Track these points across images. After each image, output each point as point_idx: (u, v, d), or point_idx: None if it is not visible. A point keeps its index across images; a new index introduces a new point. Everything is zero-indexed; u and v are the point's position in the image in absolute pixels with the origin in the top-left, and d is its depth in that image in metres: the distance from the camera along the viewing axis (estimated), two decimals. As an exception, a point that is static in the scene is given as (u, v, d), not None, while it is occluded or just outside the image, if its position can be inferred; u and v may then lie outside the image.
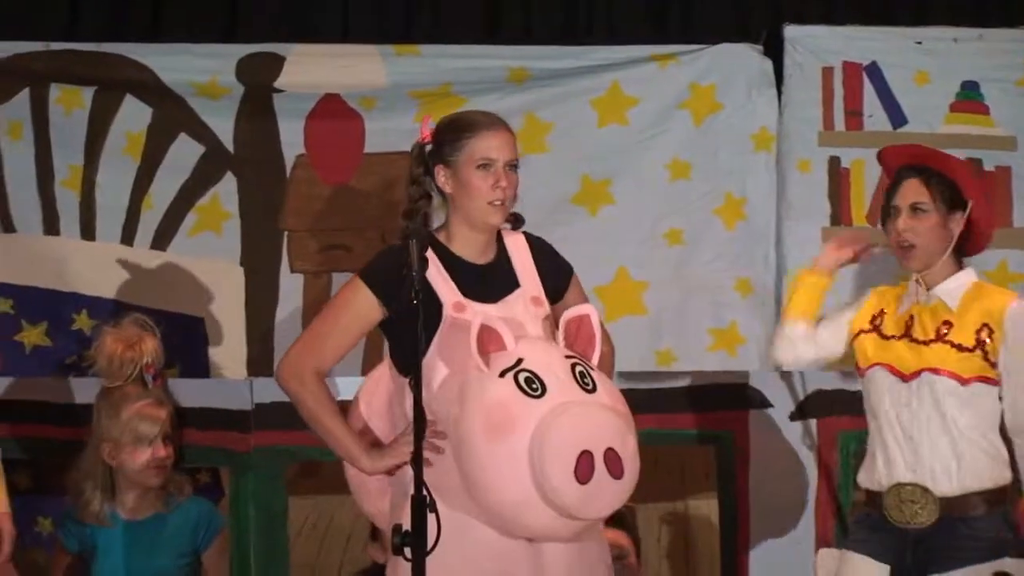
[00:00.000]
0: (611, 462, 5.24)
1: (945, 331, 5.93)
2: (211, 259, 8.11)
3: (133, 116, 8.11)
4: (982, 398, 5.93)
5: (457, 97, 8.02)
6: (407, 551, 5.01)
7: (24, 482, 7.56)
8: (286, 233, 8.16)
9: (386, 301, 5.51)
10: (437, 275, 5.60)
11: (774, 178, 8.15)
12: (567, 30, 8.47)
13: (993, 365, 5.91)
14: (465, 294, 5.63)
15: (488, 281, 5.73)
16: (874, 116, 8.16)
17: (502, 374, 5.38)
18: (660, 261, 8.17)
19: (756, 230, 8.16)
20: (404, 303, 5.28)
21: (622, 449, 5.31)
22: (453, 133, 5.70)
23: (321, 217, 8.22)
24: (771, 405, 7.13)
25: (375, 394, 5.82)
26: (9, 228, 8.10)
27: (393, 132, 7.99)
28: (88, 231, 8.12)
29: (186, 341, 7.94)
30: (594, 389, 5.42)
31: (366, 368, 7.05)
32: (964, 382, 5.89)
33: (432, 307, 5.51)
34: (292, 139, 8.13)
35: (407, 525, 5.04)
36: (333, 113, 8.15)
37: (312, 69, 8.19)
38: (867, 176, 8.10)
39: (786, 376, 7.24)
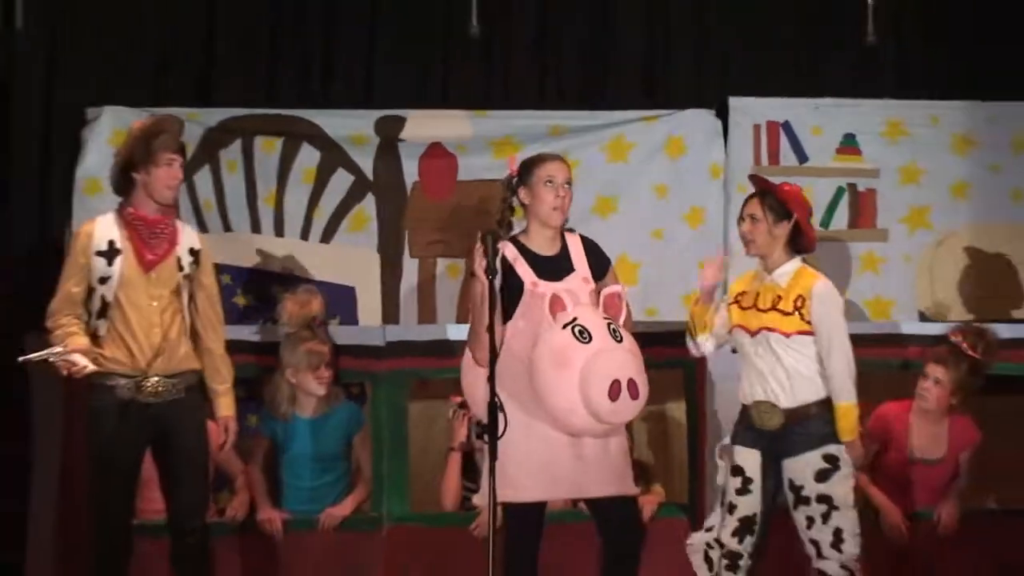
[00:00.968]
0: (631, 388, 6.08)
1: (776, 302, 6.54)
2: (358, 248, 8.55)
3: (308, 157, 8.58)
4: (803, 344, 6.51)
5: (516, 144, 8.45)
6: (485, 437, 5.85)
7: (239, 393, 7.46)
8: (406, 232, 8.58)
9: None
10: (519, 262, 6.33)
11: (722, 196, 8.61)
12: (589, 99, 8.90)
13: (809, 323, 6.49)
14: (539, 275, 6.30)
15: (554, 266, 6.37)
16: (787, 156, 8.63)
17: (564, 327, 6.13)
18: (648, 250, 8.61)
19: (711, 230, 8.61)
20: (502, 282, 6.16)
21: (639, 380, 6.14)
22: (530, 164, 6.44)
23: (429, 222, 8.58)
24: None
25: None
26: (228, 228, 8.49)
27: (476, 167, 8.55)
28: (279, 230, 8.58)
29: (342, 301, 8.39)
30: (621, 340, 6.18)
31: (461, 316, 8.29)
32: (787, 335, 6.51)
33: (516, 284, 6.29)
34: (410, 172, 8.59)
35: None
36: (437, 155, 8.59)
37: (423, 126, 8.61)
38: None
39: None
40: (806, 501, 6.48)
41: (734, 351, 6.89)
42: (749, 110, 8.73)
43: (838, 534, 6.45)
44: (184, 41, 8.87)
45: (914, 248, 8.63)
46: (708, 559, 6.68)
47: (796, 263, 6.64)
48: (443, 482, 7.68)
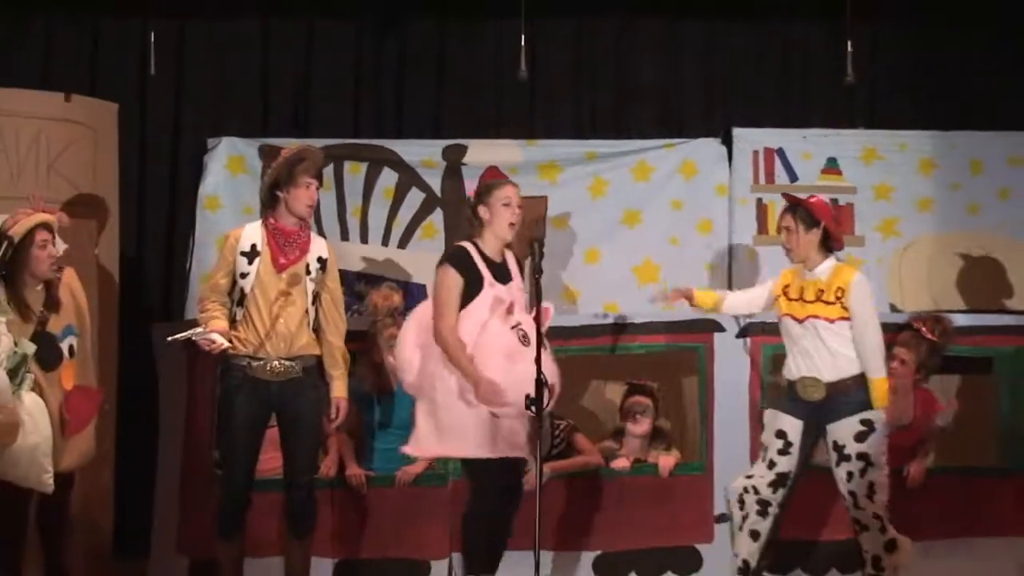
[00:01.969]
0: (552, 390, 6.12)
1: (820, 294, 6.52)
2: (428, 253, 8.26)
3: (388, 178, 8.60)
4: (843, 329, 6.49)
5: (558, 167, 8.55)
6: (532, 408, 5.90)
7: None
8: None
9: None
10: (480, 262, 6.29)
11: (727, 209, 8.60)
12: (617, 130, 8.92)
13: (847, 310, 6.48)
14: (492, 276, 6.29)
15: (500, 271, 6.35)
16: (780, 176, 8.62)
17: (512, 328, 6.18)
18: (667, 253, 8.57)
19: (718, 238, 8.59)
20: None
21: (557, 383, 6.22)
22: (490, 187, 6.46)
23: None
24: (725, 330, 7.40)
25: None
26: (322, 237, 7.83)
27: (525, 186, 7.39)
28: (364, 239, 8.60)
29: (416, 296, 8.11)
30: (546, 348, 6.11)
31: None
32: (831, 321, 6.49)
33: (477, 279, 6.24)
34: (472, 190, 7.76)
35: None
36: (493, 176, 8.31)
37: (482, 153, 8.62)
38: (776, 208, 7.79)
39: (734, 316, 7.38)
40: (847, 459, 6.47)
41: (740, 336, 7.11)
42: (749, 139, 8.71)
43: (871, 487, 6.47)
44: (286, 84, 8.98)
45: (886, 252, 8.57)
46: (742, 500, 6.67)
47: (832, 261, 6.63)
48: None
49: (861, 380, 6.50)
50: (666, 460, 7.43)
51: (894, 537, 6.54)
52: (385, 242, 8.66)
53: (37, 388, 6.26)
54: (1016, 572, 7.27)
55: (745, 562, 6.66)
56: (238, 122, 8.75)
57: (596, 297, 8.50)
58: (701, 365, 7.55)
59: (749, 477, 6.69)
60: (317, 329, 6.65)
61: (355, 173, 8.63)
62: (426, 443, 6.32)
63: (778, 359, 7.25)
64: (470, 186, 7.96)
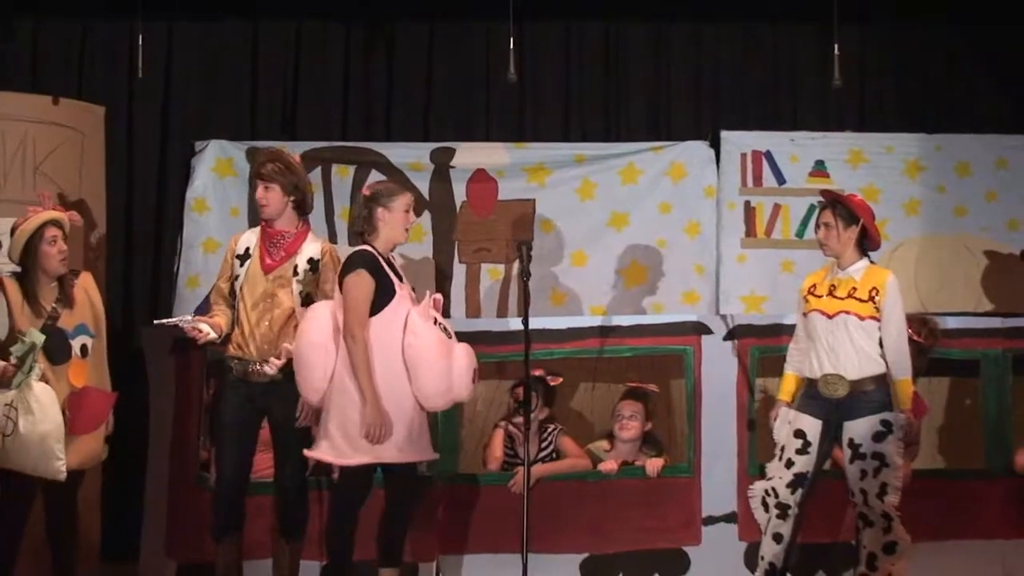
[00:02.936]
0: (477, 375, 6.27)
1: (852, 292, 6.57)
2: (416, 256, 8.44)
3: (375, 180, 8.20)
4: (872, 328, 6.55)
5: (547, 170, 8.52)
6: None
7: None
8: (456, 242, 8.53)
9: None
10: (386, 266, 6.28)
11: (715, 212, 8.54)
12: (606, 132, 8.94)
13: (878, 310, 6.54)
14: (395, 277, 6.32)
15: (396, 273, 6.37)
16: (768, 179, 8.56)
17: (434, 324, 6.22)
18: (655, 256, 8.51)
19: (706, 240, 8.54)
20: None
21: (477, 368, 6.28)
22: (390, 193, 6.38)
23: (474, 234, 8.54)
24: (712, 332, 7.43)
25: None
26: None
27: (513, 189, 8.55)
28: (352, 241, 7.33)
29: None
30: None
31: (500, 311, 8.31)
32: (862, 319, 6.53)
33: (388, 284, 6.23)
34: (459, 193, 8.54)
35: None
36: (481, 179, 8.55)
37: (470, 155, 8.58)
38: (765, 211, 8.53)
39: (722, 316, 7.63)
40: (862, 457, 6.50)
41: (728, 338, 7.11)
42: (737, 141, 8.67)
43: (883, 487, 6.52)
44: (274, 87, 8.95)
45: (873, 254, 8.38)
46: (764, 503, 6.70)
47: (865, 261, 6.68)
48: (489, 449, 7.63)
49: (882, 380, 6.55)
50: (654, 463, 7.47)
51: (896, 541, 6.58)
52: (374, 245, 8.60)
53: (44, 379, 6.33)
54: (1000, 574, 7.32)
55: (771, 564, 6.71)
56: (226, 125, 8.72)
57: (583, 299, 8.51)
58: (688, 367, 7.53)
59: (769, 479, 6.72)
60: None
61: (343, 176, 8.59)
62: (328, 448, 6.29)
63: (765, 361, 7.36)
64: (458, 189, 8.40)
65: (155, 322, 6.58)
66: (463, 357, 6.21)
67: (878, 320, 6.56)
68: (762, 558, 6.72)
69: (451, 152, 8.64)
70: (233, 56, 8.90)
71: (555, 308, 8.38)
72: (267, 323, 6.50)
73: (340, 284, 6.23)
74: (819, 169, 8.64)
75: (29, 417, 6.21)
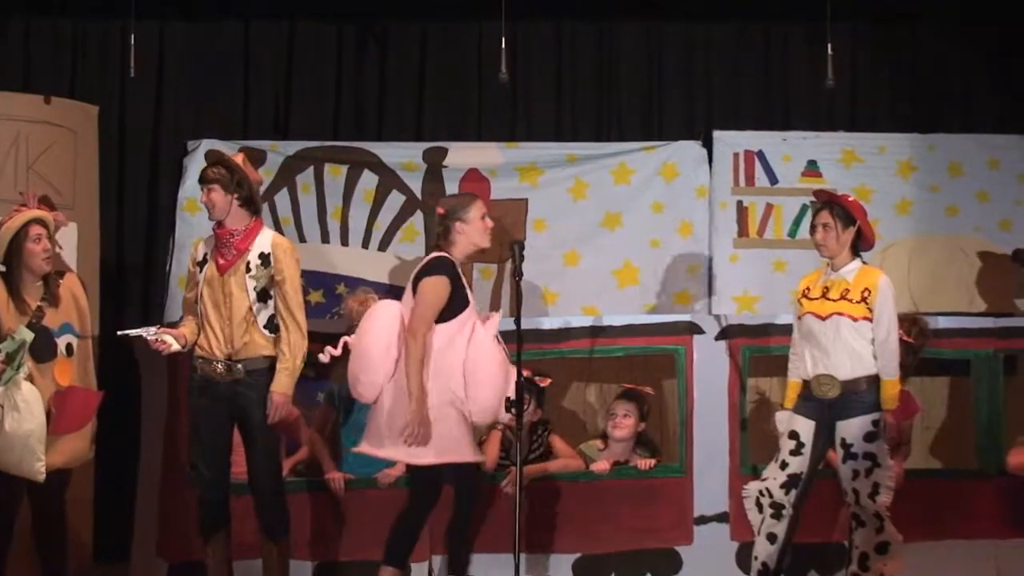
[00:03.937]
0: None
1: (845, 293, 6.59)
2: (410, 256, 8.44)
3: (368, 180, 8.55)
4: (864, 329, 6.57)
5: (539, 170, 8.53)
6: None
7: (310, 374, 7.37)
8: None
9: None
10: (463, 278, 6.40)
11: (707, 212, 8.56)
12: (598, 132, 8.94)
13: (870, 310, 6.56)
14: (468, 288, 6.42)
15: (466, 283, 6.46)
16: (760, 179, 8.57)
17: (494, 338, 6.33)
18: (648, 256, 8.52)
19: (698, 240, 8.54)
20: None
21: None
22: (465, 204, 6.53)
23: None
24: (705, 332, 7.45)
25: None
26: (302, 240, 8.41)
27: (505, 189, 8.55)
28: (344, 241, 8.55)
29: (396, 298, 7.55)
30: None
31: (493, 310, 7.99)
32: (855, 320, 6.56)
33: (463, 295, 6.37)
34: (452, 192, 8.38)
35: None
36: (474, 179, 8.53)
37: (463, 155, 8.59)
38: (757, 211, 8.54)
39: (714, 316, 7.64)
40: (854, 457, 6.52)
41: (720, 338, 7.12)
42: (730, 141, 8.68)
43: (876, 486, 6.53)
44: (266, 86, 8.95)
45: (866, 254, 8.37)
46: (759, 504, 6.71)
47: (859, 262, 6.70)
48: (486, 451, 7.46)
49: (873, 381, 6.57)
50: (645, 461, 7.50)
51: (888, 541, 6.58)
52: (366, 244, 8.62)
53: (29, 378, 6.35)
54: (993, 574, 7.33)
55: (764, 564, 6.72)
56: (218, 125, 8.71)
57: (576, 300, 8.50)
58: (681, 367, 7.54)
59: (763, 480, 6.73)
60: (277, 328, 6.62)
61: (335, 175, 8.61)
62: (375, 442, 6.40)
63: (757, 361, 7.38)
64: (451, 188, 8.34)
65: (119, 333, 6.55)
66: (512, 372, 6.21)
67: (871, 320, 6.58)
68: (755, 558, 6.74)
69: (444, 152, 8.65)
70: (225, 56, 8.89)
71: (548, 308, 8.38)
72: (227, 321, 6.52)
73: (415, 284, 6.34)
74: (812, 169, 8.64)
75: (15, 415, 6.23)
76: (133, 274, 8.71)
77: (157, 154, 8.77)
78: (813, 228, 6.72)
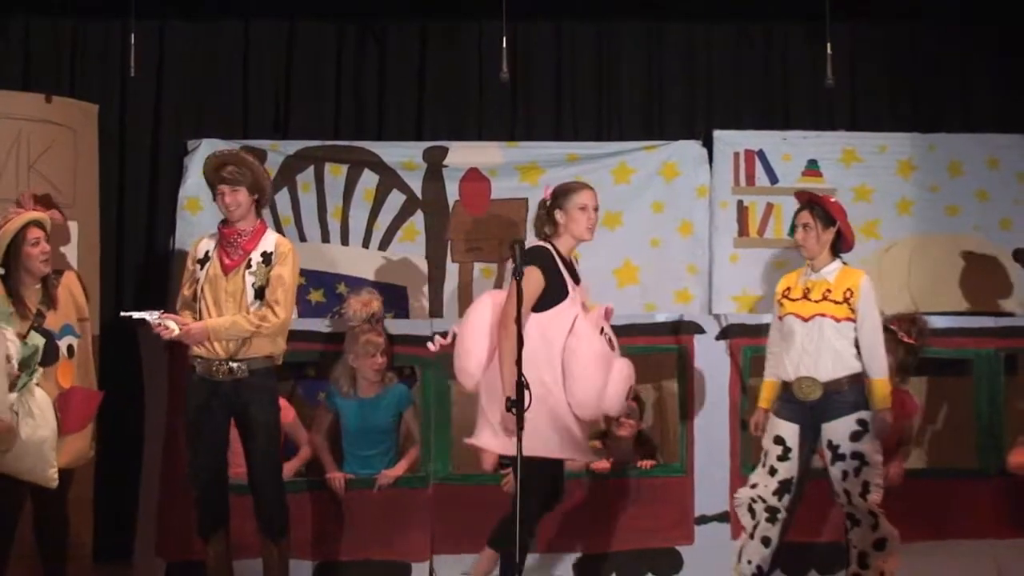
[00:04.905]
0: (632, 392, 6.36)
1: (827, 294, 6.60)
2: (410, 255, 8.53)
3: (368, 179, 8.56)
4: (847, 329, 6.58)
5: (539, 169, 8.53)
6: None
7: (312, 373, 8.13)
8: (449, 241, 8.55)
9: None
10: (560, 265, 6.36)
11: (707, 211, 8.57)
12: (598, 132, 8.91)
13: (853, 311, 6.58)
14: (571, 277, 6.40)
15: (573, 272, 6.45)
16: (760, 178, 8.58)
17: (600, 333, 6.29)
18: (648, 255, 8.53)
19: (698, 240, 8.55)
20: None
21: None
22: (567, 192, 6.49)
23: (467, 233, 8.56)
24: (705, 332, 7.53)
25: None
26: (303, 239, 8.43)
27: (506, 188, 8.58)
28: (344, 240, 8.55)
29: (396, 299, 8.35)
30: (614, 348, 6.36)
31: None
32: (838, 320, 6.57)
33: (559, 282, 6.31)
34: (452, 192, 8.56)
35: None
36: (474, 178, 8.57)
37: (463, 155, 8.60)
38: (757, 210, 8.55)
39: (714, 316, 7.71)
40: (842, 458, 6.50)
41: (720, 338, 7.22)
42: (730, 140, 8.68)
43: (866, 485, 6.50)
44: (267, 85, 8.89)
45: (866, 254, 8.38)
46: (751, 510, 6.69)
47: (838, 263, 6.71)
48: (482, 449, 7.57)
49: (856, 380, 6.56)
50: (645, 462, 7.55)
51: (885, 537, 6.57)
52: (366, 244, 8.62)
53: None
54: (994, 574, 7.33)
55: (759, 567, 6.70)
56: (218, 124, 8.69)
57: (576, 299, 8.47)
58: (681, 367, 7.57)
59: (753, 487, 6.72)
60: None
61: (336, 175, 8.61)
62: (475, 433, 6.41)
63: (757, 360, 7.28)
64: (451, 188, 8.39)
65: (122, 314, 6.59)
66: (620, 372, 6.22)
67: (854, 321, 6.58)
68: (748, 562, 6.73)
69: (444, 151, 8.65)
70: (226, 55, 8.85)
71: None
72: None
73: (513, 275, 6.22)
74: (812, 168, 8.65)
75: (30, 421, 6.19)
76: (133, 274, 8.68)
77: (157, 154, 8.73)
78: (794, 228, 6.74)
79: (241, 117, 8.85)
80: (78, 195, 7.73)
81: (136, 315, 6.49)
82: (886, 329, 7.27)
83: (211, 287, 6.53)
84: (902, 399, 7.43)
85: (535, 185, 8.54)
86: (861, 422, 6.52)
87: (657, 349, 7.67)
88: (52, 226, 6.69)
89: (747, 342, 7.50)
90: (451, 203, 8.65)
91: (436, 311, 8.50)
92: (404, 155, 8.64)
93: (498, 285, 8.42)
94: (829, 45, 7.67)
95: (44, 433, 6.20)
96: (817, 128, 8.78)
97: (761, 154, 8.66)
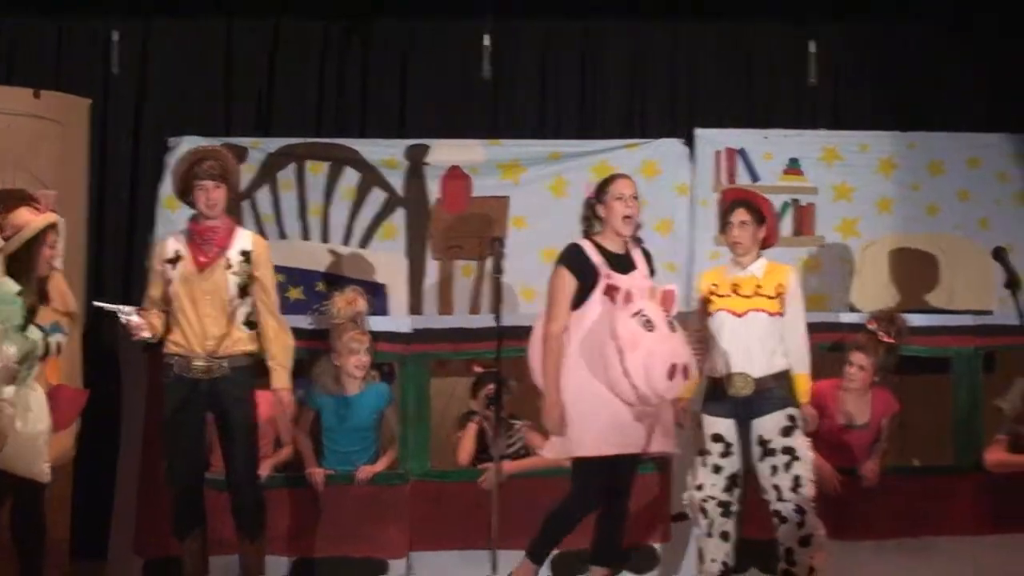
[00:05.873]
0: (685, 371, 6.11)
1: (757, 290, 6.63)
2: (390, 253, 8.51)
3: (349, 177, 8.54)
4: (777, 325, 6.61)
5: (521, 167, 8.52)
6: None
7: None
8: (429, 239, 8.53)
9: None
10: (595, 256, 6.31)
11: (688, 209, 8.54)
12: (580, 130, 8.94)
13: (783, 305, 6.63)
14: (611, 268, 6.30)
15: (622, 262, 6.36)
16: (741, 176, 8.55)
17: (633, 315, 6.13)
18: (630, 254, 8.57)
19: (679, 238, 8.53)
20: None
21: (690, 364, 6.20)
22: (604, 184, 6.46)
23: (447, 231, 8.53)
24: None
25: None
26: (283, 236, 8.46)
27: (486, 186, 8.52)
28: (324, 238, 8.54)
29: (377, 297, 8.27)
30: (675, 330, 6.22)
31: (473, 308, 8.34)
32: (771, 315, 6.60)
33: (592, 273, 6.26)
34: (433, 190, 8.53)
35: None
36: (455, 176, 8.54)
37: (444, 152, 8.57)
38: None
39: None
40: (772, 453, 6.51)
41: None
42: (711, 139, 8.67)
43: (797, 480, 6.50)
44: (247, 84, 8.94)
45: (846, 252, 8.51)
46: (703, 510, 6.68)
47: (764, 260, 6.75)
48: (461, 444, 7.60)
49: (784, 376, 6.59)
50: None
51: (811, 533, 6.55)
52: (346, 241, 8.60)
53: None
54: (971, 571, 7.31)
55: (724, 563, 6.70)
56: (200, 121, 8.67)
57: (555, 297, 8.44)
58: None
59: (700, 488, 6.70)
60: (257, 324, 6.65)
61: (316, 172, 8.59)
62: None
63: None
64: (432, 186, 8.40)
65: (94, 303, 6.61)
66: (658, 349, 6.12)
67: (782, 315, 6.62)
68: (712, 560, 6.70)
69: (425, 149, 8.63)
70: (208, 51, 8.88)
71: (527, 305, 8.31)
72: (208, 320, 6.52)
73: None
74: (793, 167, 8.65)
75: (28, 415, 6.14)
76: (113, 271, 8.71)
77: (139, 150, 8.75)
78: (729, 226, 6.75)
79: (223, 115, 8.87)
80: (66, 190, 7.70)
81: (108, 307, 6.51)
82: (864, 329, 7.37)
83: (186, 286, 6.51)
84: (882, 398, 7.43)
85: (517, 183, 8.58)
86: (791, 417, 6.55)
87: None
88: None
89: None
90: (432, 201, 8.64)
91: (416, 308, 8.48)
92: (385, 153, 8.61)
93: (478, 282, 8.45)
94: (811, 44, 7.71)
95: (41, 427, 6.17)
96: (799, 127, 8.79)
97: (743, 152, 8.66)
